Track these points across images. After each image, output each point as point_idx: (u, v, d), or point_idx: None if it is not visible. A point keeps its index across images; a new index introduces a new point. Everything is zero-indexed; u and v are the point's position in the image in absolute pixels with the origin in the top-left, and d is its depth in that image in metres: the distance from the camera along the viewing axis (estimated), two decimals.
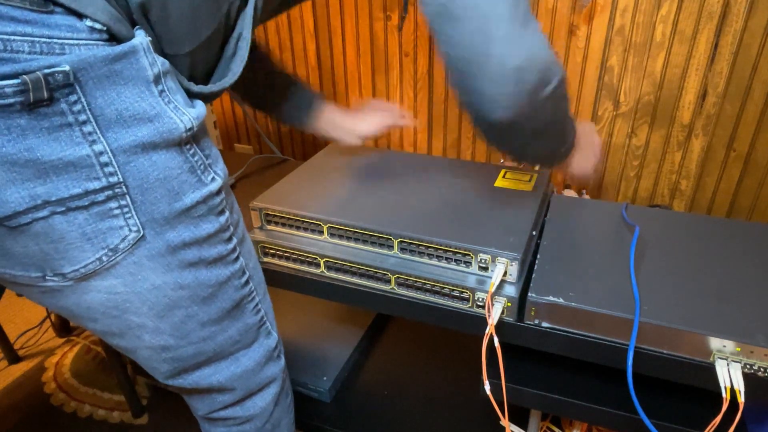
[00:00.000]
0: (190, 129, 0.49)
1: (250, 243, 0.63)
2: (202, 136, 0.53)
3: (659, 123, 1.08)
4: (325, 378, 0.97)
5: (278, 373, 0.69)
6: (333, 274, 0.74)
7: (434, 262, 0.69)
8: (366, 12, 1.21)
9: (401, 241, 0.70)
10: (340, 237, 0.74)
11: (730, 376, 0.56)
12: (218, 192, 0.54)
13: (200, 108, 0.52)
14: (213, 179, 0.53)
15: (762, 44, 0.95)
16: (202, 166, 0.52)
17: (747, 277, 0.64)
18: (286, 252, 0.75)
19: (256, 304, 0.63)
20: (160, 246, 0.50)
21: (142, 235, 0.49)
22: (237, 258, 0.58)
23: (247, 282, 0.61)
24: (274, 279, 0.77)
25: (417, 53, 1.21)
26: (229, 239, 0.57)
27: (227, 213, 0.56)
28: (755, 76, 0.97)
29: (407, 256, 0.71)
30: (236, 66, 0.57)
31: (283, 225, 0.77)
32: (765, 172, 1.04)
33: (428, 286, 0.68)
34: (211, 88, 0.56)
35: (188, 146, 0.50)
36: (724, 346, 0.56)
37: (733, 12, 0.94)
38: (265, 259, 0.77)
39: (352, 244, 0.73)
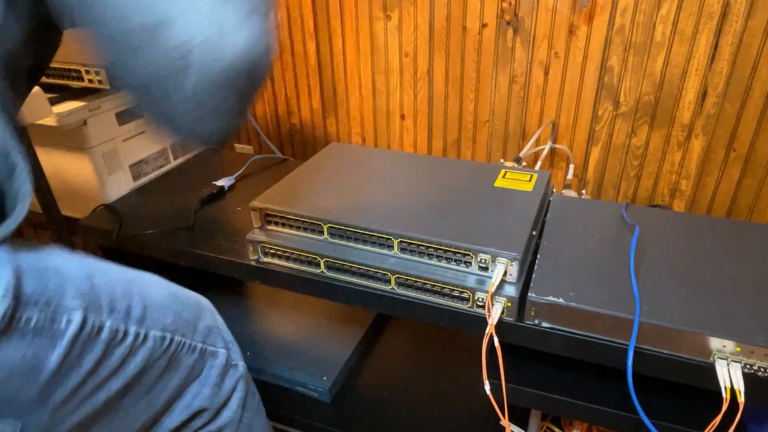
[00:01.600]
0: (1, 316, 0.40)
1: (158, 298, 0.58)
2: (27, 285, 0.43)
3: (659, 123, 1.08)
4: (325, 378, 0.97)
5: (238, 380, 0.68)
6: (333, 274, 0.74)
7: (434, 262, 0.69)
8: (366, 12, 1.21)
9: (401, 241, 0.70)
10: (340, 237, 0.73)
11: (730, 376, 0.56)
12: (82, 326, 0.46)
13: (5, 276, 0.41)
14: (68, 321, 0.45)
15: (762, 44, 0.95)
16: (47, 321, 0.43)
17: (747, 277, 0.64)
18: (286, 252, 0.75)
19: (188, 346, 0.61)
20: (52, 408, 0.45)
21: (22, 426, 0.44)
22: (145, 338, 0.54)
23: (170, 342, 0.57)
24: (274, 279, 0.77)
25: (417, 53, 1.21)
26: (124, 336, 0.51)
27: (107, 324, 0.49)
28: (755, 76, 0.97)
29: (407, 256, 0.71)
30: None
31: (283, 225, 0.77)
32: (765, 172, 1.04)
33: (428, 286, 0.68)
34: (9, 224, 0.44)
35: (15, 320, 0.41)
36: (724, 346, 0.56)
37: (733, 12, 0.94)
38: (265, 259, 0.77)
39: (352, 244, 0.73)
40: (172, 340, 0.58)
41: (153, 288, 0.59)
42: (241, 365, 0.70)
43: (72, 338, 0.46)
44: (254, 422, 0.73)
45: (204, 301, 0.69)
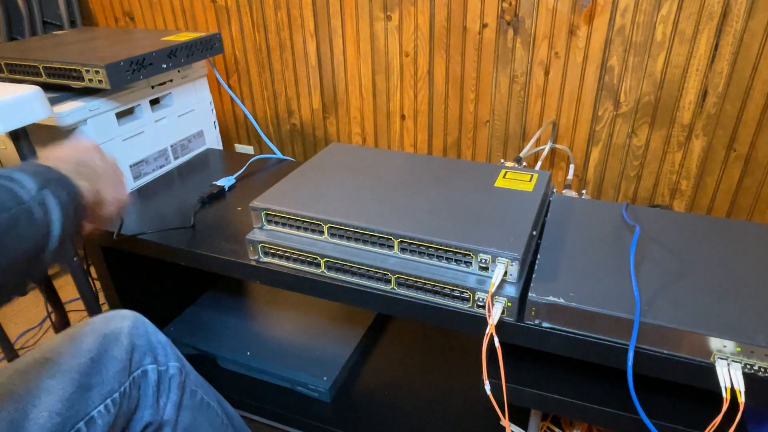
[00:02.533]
0: None
1: (60, 395, 0.57)
2: None
3: (659, 123, 1.08)
4: (325, 378, 0.97)
5: (170, 384, 0.68)
6: (333, 274, 0.74)
7: (434, 262, 0.69)
8: (366, 12, 1.21)
9: (401, 241, 0.70)
10: (340, 237, 0.74)
11: (730, 376, 0.56)
12: None
13: None
14: None
15: (762, 44, 0.95)
16: None
17: (747, 277, 0.64)
18: (286, 252, 0.75)
19: (117, 398, 0.61)
20: None
21: None
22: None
23: (94, 419, 0.58)
24: (274, 279, 0.77)
25: (417, 53, 1.21)
26: None
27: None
28: (755, 76, 0.97)
29: (407, 256, 0.71)
30: None
31: (283, 225, 0.77)
32: (765, 172, 1.04)
33: (428, 286, 0.68)
34: None
35: None
36: (725, 346, 0.56)
37: (734, 12, 0.94)
38: (265, 259, 0.77)
39: (352, 244, 0.73)
40: (91, 417, 0.58)
41: (50, 393, 0.57)
42: (172, 365, 0.68)
43: None
44: (197, 421, 0.71)
45: (111, 329, 0.65)
